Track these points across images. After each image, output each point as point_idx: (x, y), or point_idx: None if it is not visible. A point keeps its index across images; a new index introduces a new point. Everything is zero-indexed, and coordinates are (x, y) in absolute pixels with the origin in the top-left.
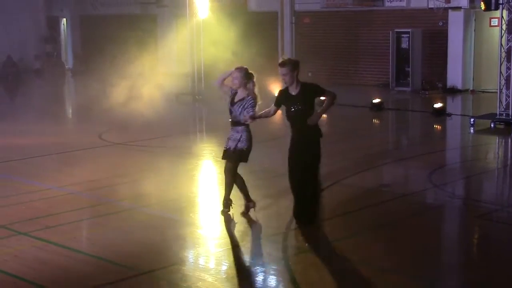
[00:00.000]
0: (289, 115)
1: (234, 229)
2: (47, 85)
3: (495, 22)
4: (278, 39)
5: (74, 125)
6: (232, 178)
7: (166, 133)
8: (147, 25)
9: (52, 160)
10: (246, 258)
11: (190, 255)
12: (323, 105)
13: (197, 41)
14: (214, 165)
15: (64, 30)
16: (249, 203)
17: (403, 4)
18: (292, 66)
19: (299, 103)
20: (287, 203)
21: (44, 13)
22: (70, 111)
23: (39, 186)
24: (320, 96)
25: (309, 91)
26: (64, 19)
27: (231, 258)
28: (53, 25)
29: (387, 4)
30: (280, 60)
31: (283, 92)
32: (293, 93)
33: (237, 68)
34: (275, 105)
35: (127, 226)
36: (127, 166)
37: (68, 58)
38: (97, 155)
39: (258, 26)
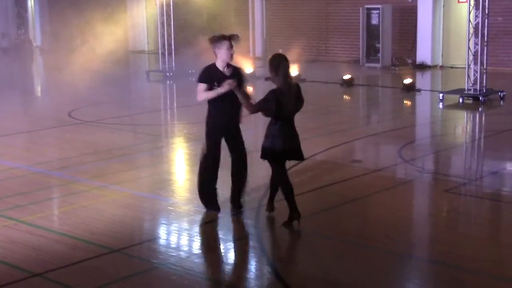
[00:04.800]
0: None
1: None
2: (15, 63)
3: None
4: (249, 16)
5: (42, 103)
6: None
7: (137, 111)
8: (116, 2)
9: (20, 139)
10: (219, 234)
11: (162, 232)
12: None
13: (167, 18)
14: (185, 143)
15: (31, 7)
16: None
17: None
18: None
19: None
20: (259, 179)
21: None
22: (39, 89)
23: (8, 165)
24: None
25: (240, 76)
26: None
27: (204, 235)
28: (20, 2)
29: None
30: (226, 34)
31: (213, 69)
32: (227, 74)
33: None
34: (206, 83)
35: (98, 204)
36: (97, 144)
37: (36, 36)
38: (66, 134)
39: (229, 3)
